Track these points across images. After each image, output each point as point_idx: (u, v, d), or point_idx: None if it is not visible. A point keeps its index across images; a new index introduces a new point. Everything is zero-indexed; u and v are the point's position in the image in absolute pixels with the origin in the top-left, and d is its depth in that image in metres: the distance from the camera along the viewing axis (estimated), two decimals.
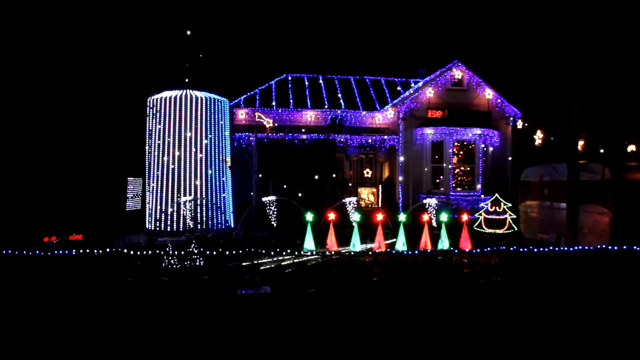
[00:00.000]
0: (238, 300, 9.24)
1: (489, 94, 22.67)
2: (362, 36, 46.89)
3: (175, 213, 17.43)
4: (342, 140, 23.52)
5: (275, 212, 18.41)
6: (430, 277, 11.13)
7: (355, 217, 16.78)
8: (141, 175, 19.30)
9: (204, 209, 17.79)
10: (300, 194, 22.02)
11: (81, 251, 12.37)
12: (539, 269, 11.78)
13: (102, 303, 8.94)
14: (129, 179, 15.74)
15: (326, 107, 24.42)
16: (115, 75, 26.98)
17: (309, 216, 15.55)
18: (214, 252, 12.82)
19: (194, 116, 18.23)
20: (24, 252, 12.09)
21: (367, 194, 23.91)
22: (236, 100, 23.63)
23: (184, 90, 18.34)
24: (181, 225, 17.35)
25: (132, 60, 28.36)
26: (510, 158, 22.95)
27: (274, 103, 24.10)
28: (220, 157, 19.07)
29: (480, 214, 17.60)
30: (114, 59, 28.17)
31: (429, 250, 14.35)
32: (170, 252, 12.24)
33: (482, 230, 17.39)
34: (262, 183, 21.86)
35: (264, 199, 18.71)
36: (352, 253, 13.91)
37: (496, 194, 17.88)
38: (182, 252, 12.50)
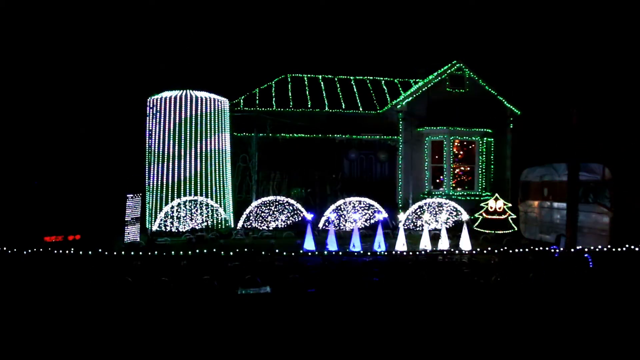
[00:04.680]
0: (238, 300, 9.25)
1: (488, 93, 22.68)
2: (362, 36, 46.88)
3: (175, 213, 17.43)
4: (342, 140, 23.55)
5: (275, 212, 18.44)
6: (430, 277, 11.12)
7: (355, 216, 16.81)
8: (141, 176, 19.30)
9: (203, 209, 17.79)
10: (300, 194, 22.04)
11: (81, 252, 12.37)
12: (539, 269, 11.77)
13: (103, 303, 8.94)
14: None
15: (326, 107, 24.44)
16: (116, 76, 26.98)
17: (309, 216, 15.56)
18: (214, 252, 12.82)
19: (194, 116, 18.23)
20: (24, 251, 12.09)
21: (367, 194, 23.87)
22: (236, 100, 23.64)
23: (184, 90, 18.34)
24: (181, 226, 17.36)
25: (132, 60, 28.37)
26: (510, 158, 22.97)
27: (274, 103, 24.12)
28: (220, 157, 19.07)
29: (481, 214, 17.61)
30: (114, 59, 28.18)
31: (428, 250, 14.35)
32: (171, 252, 12.25)
33: (482, 230, 17.40)
34: (262, 183, 21.88)
35: (264, 199, 18.74)
36: (352, 253, 13.90)
37: (496, 194, 17.90)
38: (182, 252, 12.51)
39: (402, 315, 8.54)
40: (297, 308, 8.94)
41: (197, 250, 12.98)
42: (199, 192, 18.06)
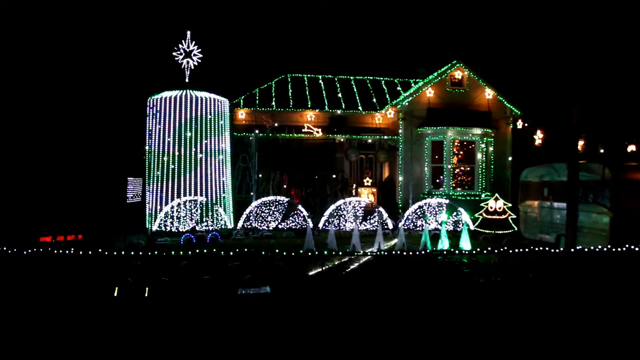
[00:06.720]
0: (238, 300, 9.25)
1: (489, 94, 22.66)
2: (362, 36, 46.90)
3: (175, 213, 17.42)
4: (342, 140, 23.55)
5: (275, 212, 18.43)
6: (430, 277, 11.13)
7: (355, 217, 16.79)
8: (141, 175, 19.30)
9: (203, 209, 17.79)
10: (300, 194, 22.04)
11: (81, 252, 12.36)
12: (539, 269, 11.77)
13: (103, 303, 8.95)
14: (129, 179, 15.75)
15: (326, 107, 24.43)
16: (116, 76, 26.99)
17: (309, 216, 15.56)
18: (214, 252, 12.82)
19: (194, 116, 18.22)
20: (24, 251, 12.08)
21: (367, 194, 23.91)
22: (236, 100, 23.64)
23: (184, 90, 18.34)
24: (181, 226, 17.35)
25: (132, 60, 28.38)
26: (510, 158, 22.96)
27: (274, 103, 24.11)
28: (220, 157, 19.07)
29: (481, 214, 17.61)
30: (114, 59, 28.19)
31: (428, 250, 14.34)
32: (171, 252, 12.22)
33: (482, 230, 17.40)
34: (262, 183, 21.87)
35: (264, 199, 18.73)
36: (353, 253, 13.90)
37: (496, 194, 17.89)
38: (182, 252, 12.49)
39: (402, 314, 8.54)
40: (297, 308, 8.93)
41: (197, 250, 12.97)
42: (199, 192, 18.06)
